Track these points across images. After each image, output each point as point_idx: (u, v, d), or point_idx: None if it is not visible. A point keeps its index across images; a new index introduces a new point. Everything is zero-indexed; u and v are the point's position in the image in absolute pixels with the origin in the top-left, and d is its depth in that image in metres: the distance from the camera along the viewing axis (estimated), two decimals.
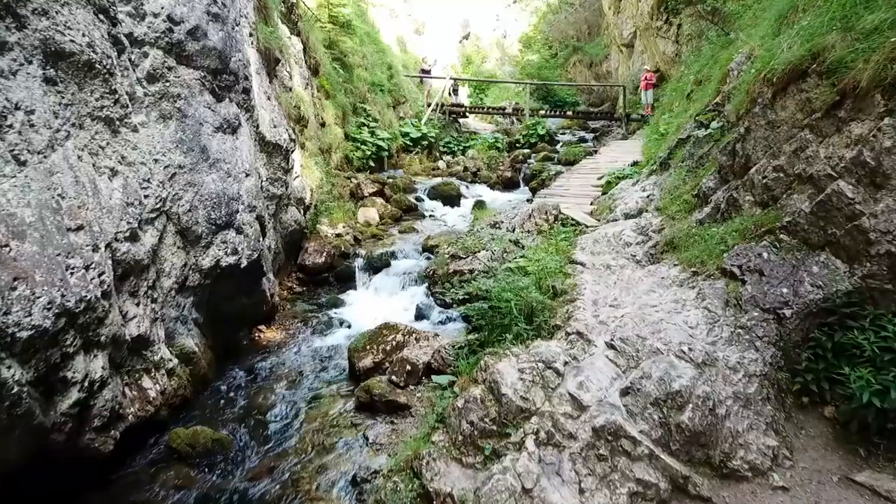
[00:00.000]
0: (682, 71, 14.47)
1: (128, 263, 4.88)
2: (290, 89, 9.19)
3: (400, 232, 11.59)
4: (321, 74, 13.65)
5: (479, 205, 13.46)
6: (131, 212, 4.88)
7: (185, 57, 5.45)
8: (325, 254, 9.66)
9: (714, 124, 6.41)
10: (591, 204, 8.87)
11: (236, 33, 6.16)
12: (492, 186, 15.40)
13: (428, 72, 21.47)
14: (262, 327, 8.09)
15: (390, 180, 14.70)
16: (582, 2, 36.83)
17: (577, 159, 16.60)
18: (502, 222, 7.72)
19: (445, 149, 20.56)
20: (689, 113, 10.20)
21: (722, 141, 6.15)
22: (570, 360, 4.56)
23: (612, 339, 4.63)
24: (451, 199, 13.84)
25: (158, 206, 5.32)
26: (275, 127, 7.69)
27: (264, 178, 7.75)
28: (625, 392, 4.27)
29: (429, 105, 20.89)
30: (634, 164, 10.63)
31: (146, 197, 5.14)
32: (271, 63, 7.95)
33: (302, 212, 9.60)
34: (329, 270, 9.75)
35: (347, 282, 9.66)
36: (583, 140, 20.93)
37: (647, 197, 7.43)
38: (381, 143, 16.48)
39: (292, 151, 8.47)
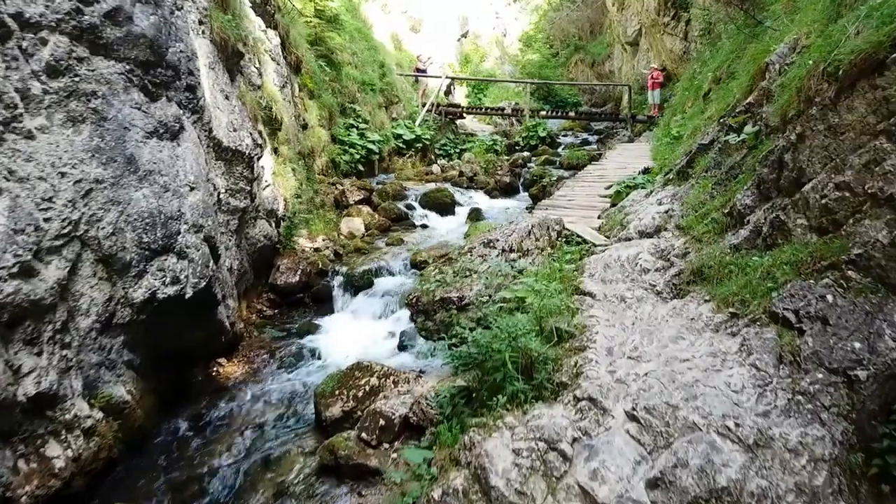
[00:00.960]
0: (695, 68, 13.43)
1: (18, 306, 3.84)
2: (260, 87, 8.15)
3: (387, 244, 10.54)
4: (304, 72, 12.61)
5: (475, 213, 12.42)
6: (22, 241, 3.84)
7: (103, 46, 4.41)
8: (299, 272, 8.62)
9: (748, 129, 5.37)
10: (599, 218, 7.83)
11: (176, 19, 5.13)
12: (489, 193, 14.36)
13: (423, 71, 20.43)
14: (223, 360, 7.05)
15: (379, 186, 13.66)
16: None
17: (581, 163, 15.56)
18: (497, 240, 6.67)
19: (441, 151, 19.52)
20: (706, 114, 9.15)
21: (761, 149, 5.11)
22: (581, 435, 3.53)
23: (633, 408, 3.60)
24: (445, 208, 12.79)
25: (67, 230, 4.28)
26: (235, 130, 6.65)
27: (222, 190, 6.72)
28: (653, 484, 3.23)
29: (423, 105, 19.85)
30: (645, 171, 9.59)
31: (48, 220, 4.10)
32: (231, 57, 6.92)
33: (274, 225, 8.57)
34: (304, 290, 8.71)
35: (325, 303, 8.63)
36: (586, 142, 19.89)
37: (666, 212, 6.38)
38: (371, 145, 15.45)
39: (259, 158, 7.43)
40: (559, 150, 19.00)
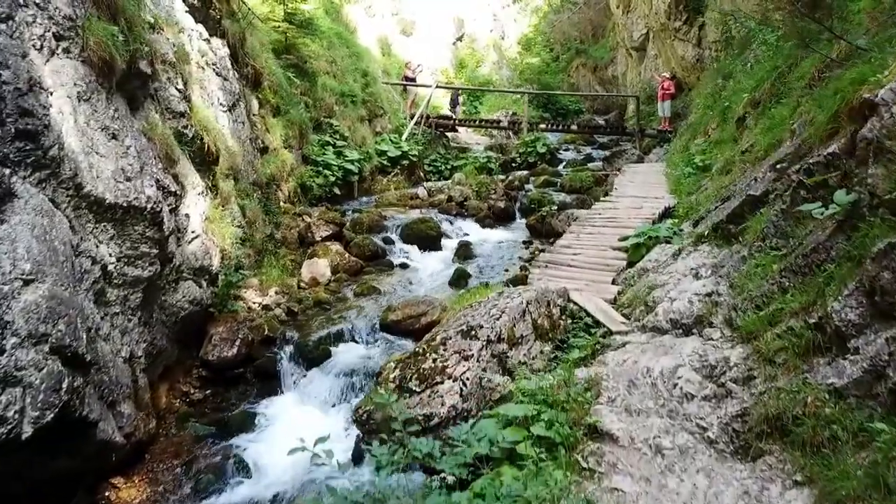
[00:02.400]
0: (719, 83, 11.73)
1: None
2: (184, 114, 6.44)
3: (356, 294, 8.83)
4: (265, 86, 10.91)
5: (464, 250, 10.71)
6: None
7: None
8: (238, 342, 6.90)
9: (840, 196, 3.68)
10: (614, 283, 6.13)
11: None
12: (481, 221, 12.65)
13: (412, 79, 18.73)
14: (119, 480, 5.35)
15: (354, 215, 11.94)
16: (586, 0, 34.13)
17: (585, 186, 13.86)
18: (481, 327, 4.97)
19: (431, 168, 17.83)
20: (743, 145, 7.45)
21: (866, 233, 3.43)
22: None
23: None
24: (430, 242, 11.08)
25: None
26: (129, 180, 4.94)
27: (112, 260, 5.01)
28: None
29: (412, 117, 18.14)
30: (667, 212, 7.89)
31: None
32: (129, 80, 5.21)
33: (206, 284, 6.86)
34: (246, 364, 7.00)
35: (270, 380, 6.92)
36: (589, 159, 18.16)
37: (709, 295, 4.68)
38: (349, 165, 13.77)
39: (174, 208, 5.73)
40: (560, 167, 17.28)
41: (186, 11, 7.90)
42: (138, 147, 5.23)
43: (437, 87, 19.09)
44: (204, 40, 8.34)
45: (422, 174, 17.48)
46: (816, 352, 3.46)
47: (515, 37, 42.85)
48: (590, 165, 17.00)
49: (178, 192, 5.72)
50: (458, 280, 9.19)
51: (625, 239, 6.74)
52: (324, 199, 12.94)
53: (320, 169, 13.02)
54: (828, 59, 5.41)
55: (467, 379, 4.67)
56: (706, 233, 5.92)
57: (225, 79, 8.76)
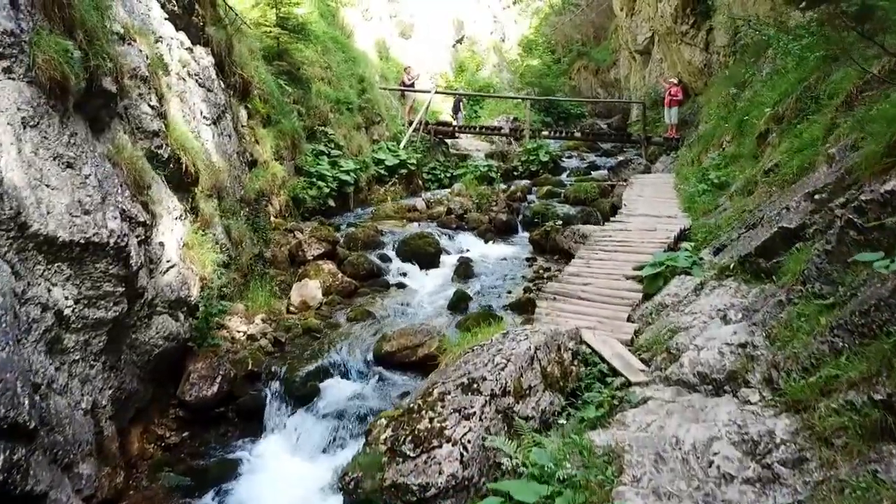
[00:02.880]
0: (733, 91, 11.17)
1: None
2: (159, 133, 5.88)
3: (349, 319, 8.27)
4: (255, 95, 10.35)
5: (464, 268, 10.14)
6: None
7: None
8: (219, 379, 6.34)
9: None
10: (630, 320, 5.57)
11: None
12: (482, 234, 12.09)
13: (410, 85, 18.16)
14: None
15: (349, 230, 11.39)
16: (588, 2, 33.59)
17: (590, 197, 13.32)
18: (484, 379, 4.41)
19: (430, 176, 17.30)
20: (765, 164, 6.89)
21: None
22: None
23: None
24: (428, 259, 10.52)
25: None
26: (87, 213, 4.39)
27: (69, 304, 4.45)
28: None
29: (410, 124, 17.58)
30: (682, 235, 7.33)
31: None
32: (89, 100, 4.66)
33: (183, 316, 6.30)
34: (227, 402, 6.43)
35: (254, 420, 6.37)
36: (594, 167, 17.62)
37: (742, 347, 4.13)
38: (344, 176, 13.22)
39: (141, 240, 5.17)
40: (563, 176, 16.71)
41: (166, 19, 7.34)
42: (100, 175, 4.67)
43: (436, 92, 18.54)
44: (185, 49, 7.78)
45: (420, 182, 16.95)
46: (886, 436, 2.90)
47: (516, 38, 42.32)
48: (594, 175, 16.45)
49: (147, 222, 5.16)
50: (458, 303, 8.62)
51: (640, 268, 6.18)
52: (318, 212, 12.39)
53: (314, 180, 12.47)
54: (868, 75, 4.85)
55: (468, 442, 4.11)
56: (731, 266, 5.36)
57: (209, 90, 8.20)
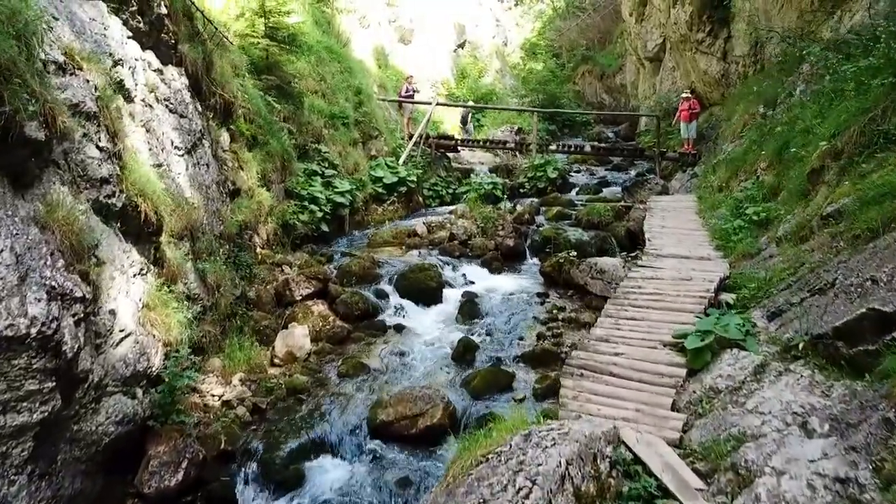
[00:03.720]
0: (762, 111, 10.20)
1: None
2: (110, 179, 4.93)
3: (340, 375, 7.32)
4: (238, 115, 9.39)
5: (469, 305, 9.20)
6: None
7: None
8: (184, 464, 5.37)
9: None
10: (675, 408, 4.61)
11: None
12: (488, 264, 11.11)
13: (410, 96, 17.19)
14: None
15: (343, 260, 10.43)
16: (595, 6, 32.65)
17: (604, 220, 12.36)
18: None
19: (430, 192, 16.35)
20: (821, 207, 5.93)
21: None
22: None
23: None
24: (430, 294, 9.57)
25: None
26: None
27: None
28: None
29: (410, 137, 16.61)
30: (723, 285, 6.36)
31: None
32: (2, 154, 3.70)
33: (142, 392, 5.34)
34: (196, 489, 5.48)
35: None
36: (604, 183, 16.65)
37: (841, 484, 3.18)
38: (339, 197, 12.28)
39: (80, 318, 4.21)
40: (573, 194, 15.76)
41: (129, 38, 6.38)
42: (20, 247, 3.72)
43: (437, 104, 17.58)
44: (154, 71, 6.83)
45: (421, 199, 16.01)
46: None
47: (518, 42, 41.33)
48: (606, 193, 15.49)
49: (87, 296, 4.20)
50: (464, 354, 7.68)
51: (681, 336, 5.22)
52: (310, 238, 11.45)
53: (306, 204, 11.51)
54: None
55: None
56: (800, 345, 4.41)
57: (182, 116, 7.25)
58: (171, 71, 7.20)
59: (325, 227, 11.79)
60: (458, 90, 25.75)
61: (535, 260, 11.83)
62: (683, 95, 15.24)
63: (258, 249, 9.74)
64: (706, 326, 5.15)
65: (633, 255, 10.62)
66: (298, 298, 8.69)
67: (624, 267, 9.20)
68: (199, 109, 7.97)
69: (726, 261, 7.20)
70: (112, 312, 4.88)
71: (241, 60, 10.00)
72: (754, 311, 5.49)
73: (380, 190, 14.28)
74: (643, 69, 23.91)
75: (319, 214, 11.64)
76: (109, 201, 4.95)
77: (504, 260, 11.60)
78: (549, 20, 39.95)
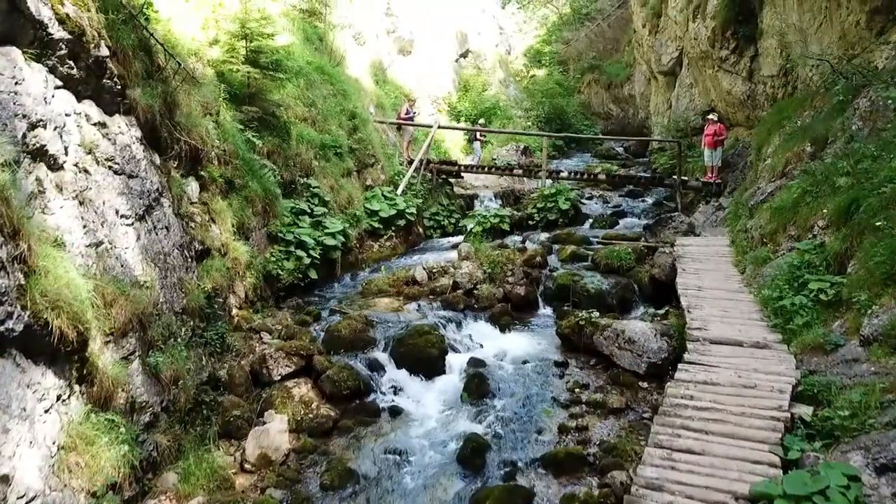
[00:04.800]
0: (810, 150, 8.93)
1: None
2: (5, 296, 3.68)
3: (323, 487, 6.07)
4: (211, 158, 8.14)
5: (477, 382, 7.90)
6: None
7: None
8: None
9: None
10: None
11: None
12: (497, 319, 9.84)
13: (410, 118, 15.93)
14: None
15: (332, 319, 9.19)
16: (601, 12, 31.41)
17: (625, 265, 11.09)
18: None
19: (431, 222, 15.13)
20: None
21: None
22: None
23: None
24: (431, 365, 8.30)
25: None
26: None
27: None
28: None
29: (410, 162, 15.36)
30: (796, 400, 5.09)
31: None
32: None
33: None
34: None
35: None
36: (620, 213, 15.37)
37: None
38: (330, 240, 11.04)
39: None
40: (586, 226, 14.49)
41: (59, 87, 5.13)
42: None
43: (438, 127, 16.32)
44: (95, 125, 5.58)
45: (421, 230, 14.77)
46: None
47: (522, 48, 40.08)
48: (623, 225, 14.24)
49: None
50: (473, 458, 6.40)
51: (761, 497, 3.96)
52: (296, 289, 10.19)
53: (292, 249, 10.27)
54: None
55: None
56: None
57: (132, 175, 6.00)
58: (119, 122, 5.95)
59: (313, 275, 10.53)
60: (461, 104, 24.48)
61: (549, 310, 10.59)
62: (710, 117, 13.97)
63: (234, 311, 8.49)
64: (797, 489, 3.88)
65: (661, 312, 9.37)
66: (277, 379, 7.43)
67: (656, 336, 7.96)
68: (157, 163, 6.72)
69: (790, 352, 5.94)
70: (4, 479, 3.62)
71: (215, 94, 8.74)
72: (852, 454, 4.22)
73: (376, 225, 13.03)
74: (656, 82, 22.66)
75: (307, 261, 10.38)
76: (2, 327, 3.69)
77: (514, 310, 10.35)
78: (555, 27, 38.72)
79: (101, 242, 5.37)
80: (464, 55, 29.34)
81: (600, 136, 25.89)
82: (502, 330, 9.69)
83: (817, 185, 7.72)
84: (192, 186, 7.72)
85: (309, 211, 11.18)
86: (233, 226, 8.57)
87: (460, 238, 14.47)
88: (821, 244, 7.00)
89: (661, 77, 21.20)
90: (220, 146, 8.69)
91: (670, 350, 7.88)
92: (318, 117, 12.62)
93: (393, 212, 13.33)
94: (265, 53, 10.25)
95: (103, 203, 5.49)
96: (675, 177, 14.79)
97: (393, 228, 13.39)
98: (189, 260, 7.14)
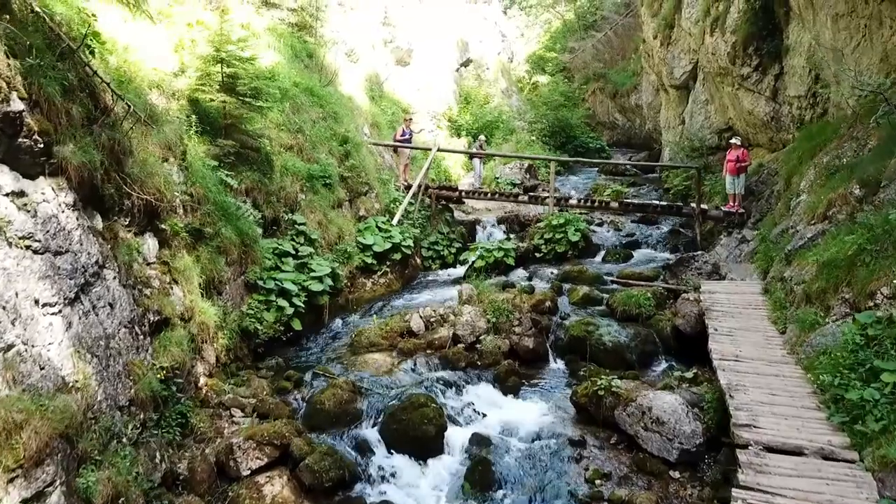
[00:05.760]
0: (858, 193, 7.83)
1: None
2: None
3: None
4: (170, 212, 7.04)
5: (480, 468, 6.83)
6: None
7: None
8: None
9: None
10: None
11: None
12: (502, 380, 8.74)
13: (408, 139, 14.86)
14: None
15: (317, 385, 8.08)
16: (608, 21, 30.33)
17: (644, 313, 9.98)
18: None
19: (430, 252, 14.06)
20: None
21: None
22: None
23: None
24: (426, 445, 7.22)
25: None
26: None
27: None
28: None
29: (407, 188, 14.26)
30: None
31: None
32: None
33: None
34: None
35: None
36: (633, 243, 14.27)
37: None
38: (316, 284, 9.97)
39: None
40: (598, 259, 13.39)
41: None
42: None
43: (438, 149, 15.21)
44: (7, 196, 4.49)
45: (419, 261, 13.69)
46: None
47: (524, 54, 39.00)
48: (638, 258, 13.15)
49: None
50: None
51: None
52: (277, 343, 9.10)
53: (272, 298, 9.18)
54: None
55: None
56: None
57: (59, 252, 4.91)
58: (43, 187, 4.86)
59: (297, 325, 9.44)
60: (462, 117, 23.39)
61: (561, 364, 9.52)
62: (733, 141, 12.85)
63: (202, 381, 7.41)
64: None
65: (689, 375, 8.27)
66: (246, 474, 6.32)
67: (688, 415, 6.87)
68: (100, 227, 5.64)
69: (865, 467, 4.84)
70: None
71: (180, 131, 7.64)
72: None
73: (369, 260, 11.94)
74: (666, 95, 21.54)
75: (290, 311, 9.29)
76: None
77: (522, 364, 9.30)
78: (559, 33, 37.64)
79: (12, 346, 4.29)
80: (465, 64, 28.26)
81: (610, 159, 24.78)
82: (508, 392, 8.59)
83: (877, 242, 6.62)
84: (149, 245, 6.63)
85: (293, 252, 10.10)
86: (201, 284, 7.47)
87: (461, 270, 13.42)
88: (889, 319, 5.90)
89: (673, 91, 20.09)
90: (188, 190, 7.61)
91: (705, 432, 6.81)
92: (305, 144, 11.53)
93: (388, 245, 12.23)
94: (243, 80, 9.16)
95: (16, 295, 4.40)
96: (692, 204, 13.68)
97: (388, 263, 12.30)
98: (141, 337, 6.04)
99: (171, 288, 6.85)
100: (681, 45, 18.41)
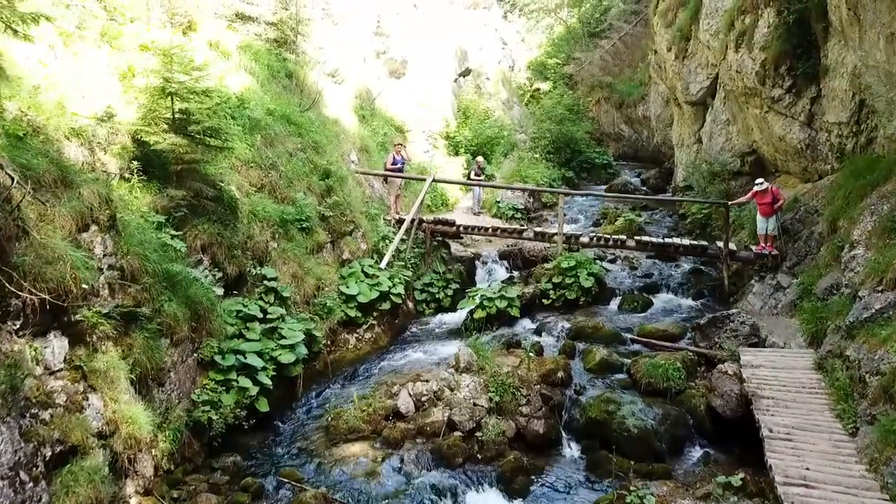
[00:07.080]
0: None
1: None
2: None
3: None
4: (82, 301, 5.54)
5: None
6: None
7: None
8: None
9: None
10: None
11: None
12: (507, 480, 7.23)
13: (399, 168, 13.35)
14: None
15: (281, 497, 6.56)
16: (612, 27, 28.85)
17: (673, 387, 8.49)
18: None
19: (424, 295, 12.57)
20: None
21: None
22: None
23: None
24: None
25: None
26: None
27: None
28: None
29: (399, 222, 12.76)
30: None
31: None
32: None
33: None
34: None
35: None
36: (652, 286, 12.74)
37: None
38: (286, 355, 8.49)
39: None
40: (613, 306, 11.86)
41: None
42: None
43: (434, 180, 13.70)
44: None
45: (411, 305, 12.20)
46: None
47: (525, 61, 37.53)
48: (659, 306, 11.66)
49: None
50: None
51: None
52: (238, 432, 7.60)
53: (232, 377, 7.68)
54: None
55: None
56: None
57: None
58: None
59: (262, 407, 7.94)
60: (460, 132, 21.88)
61: (577, 451, 8.08)
62: (758, 186, 11.22)
63: (134, 502, 5.91)
64: None
65: (737, 483, 6.76)
66: None
67: None
68: None
69: None
70: None
71: (105, 190, 6.14)
72: None
73: (353, 314, 10.43)
74: (680, 110, 20.04)
75: (254, 391, 7.80)
76: None
77: (530, 452, 7.84)
78: (561, 39, 36.18)
79: None
80: (464, 74, 26.72)
81: (616, 175, 23.37)
82: (516, 497, 7.11)
83: None
84: (54, 347, 5.14)
85: (261, 315, 8.60)
86: (133, 380, 5.98)
87: (458, 315, 11.93)
88: None
89: (688, 107, 18.59)
90: (118, 262, 6.12)
91: None
92: (279, 182, 10.03)
93: (375, 294, 10.73)
94: (198, 117, 7.66)
95: None
96: (719, 244, 12.18)
97: (374, 314, 10.80)
98: (30, 485, 4.54)
99: (86, 399, 5.36)
100: (698, 59, 16.92)
